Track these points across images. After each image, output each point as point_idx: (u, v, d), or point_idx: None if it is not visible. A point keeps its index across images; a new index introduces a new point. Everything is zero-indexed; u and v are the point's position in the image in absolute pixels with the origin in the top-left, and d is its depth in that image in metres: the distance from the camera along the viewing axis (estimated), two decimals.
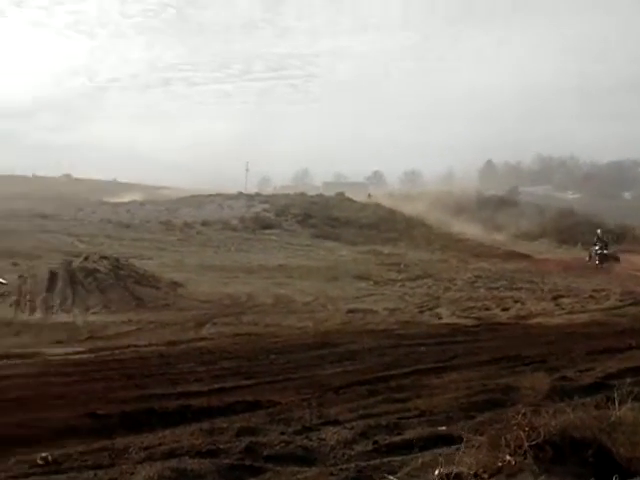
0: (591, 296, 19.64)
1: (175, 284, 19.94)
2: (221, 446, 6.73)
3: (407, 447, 7.01)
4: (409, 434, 7.44)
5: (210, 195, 58.85)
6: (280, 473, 6.30)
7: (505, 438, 6.27)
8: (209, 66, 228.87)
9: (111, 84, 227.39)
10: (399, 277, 23.68)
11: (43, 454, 6.29)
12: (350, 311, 16.82)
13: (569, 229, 39.74)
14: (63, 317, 15.46)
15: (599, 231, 30.74)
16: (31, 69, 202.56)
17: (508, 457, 6.12)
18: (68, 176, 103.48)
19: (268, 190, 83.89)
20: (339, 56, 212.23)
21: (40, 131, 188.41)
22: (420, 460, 6.57)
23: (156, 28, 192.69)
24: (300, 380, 9.93)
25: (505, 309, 17.54)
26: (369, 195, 62.30)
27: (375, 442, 7.18)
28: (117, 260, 20.36)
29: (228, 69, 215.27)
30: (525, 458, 6.01)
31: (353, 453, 6.93)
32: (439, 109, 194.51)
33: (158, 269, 22.59)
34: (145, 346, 12.22)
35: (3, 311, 15.75)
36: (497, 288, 21.75)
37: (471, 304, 18.30)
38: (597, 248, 29.18)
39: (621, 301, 18.50)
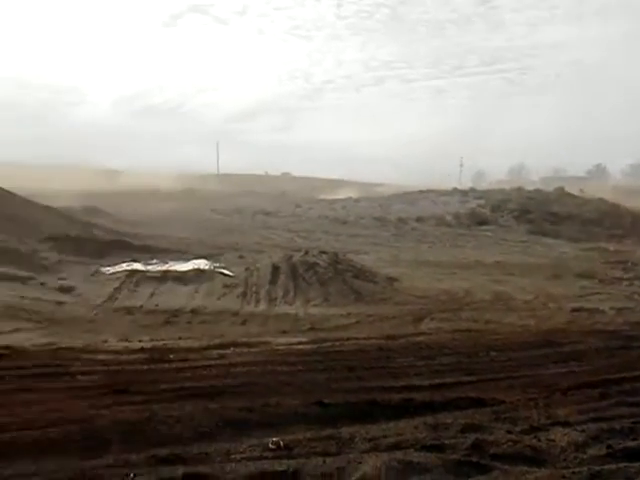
0: None
1: (391, 279, 20.07)
2: (446, 441, 6.66)
3: None
4: None
5: (423, 191, 58.87)
6: (508, 472, 6.12)
7: None
8: (422, 63, 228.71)
9: (326, 85, 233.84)
10: (626, 276, 22.27)
11: (274, 439, 6.53)
12: (574, 310, 16.05)
13: None
14: (286, 308, 16.04)
15: None
16: (254, 74, 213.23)
17: None
18: (287, 174, 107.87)
19: (482, 185, 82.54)
20: (556, 47, 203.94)
21: (264, 132, 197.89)
22: None
23: (370, 28, 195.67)
24: (524, 379, 9.59)
25: None
26: (581, 190, 59.33)
27: (609, 446, 6.79)
28: (335, 255, 20.81)
29: (441, 65, 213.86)
30: None
31: (585, 456, 6.59)
32: None
33: (374, 264, 22.88)
34: (364, 339, 12.37)
35: (231, 302, 16.64)
36: None
37: None
38: None
39: None
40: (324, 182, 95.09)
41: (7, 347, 10.56)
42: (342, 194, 67.61)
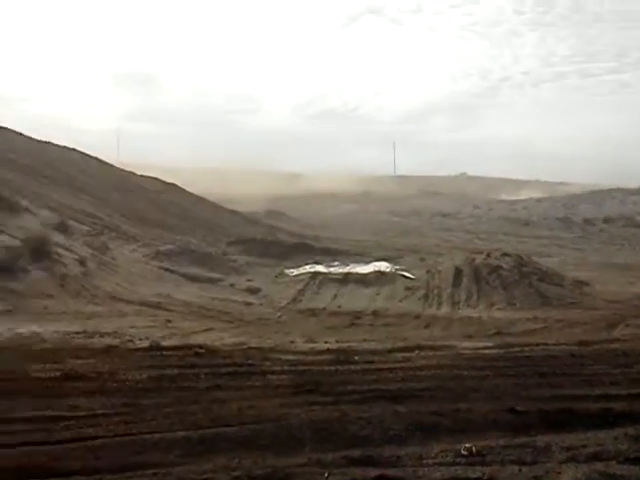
0: None
1: (580, 282, 19.24)
2: None
3: None
4: None
5: (610, 190, 56.06)
6: None
7: None
8: (604, 56, 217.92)
9: (502, 82, 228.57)
10: None
11: (467, 445, 6.39)
12: None
13: None
14: (469, 312, 15.79)
15: None
16: (429, 73, 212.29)
17: None
18: (464, 174, 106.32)
19: None
20: None
21: (439, 131, 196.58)
22: None
23: (549, 22, 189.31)
24: None
25: None
26: None
27: None
28: (520, 257, 20.23)
29: (624, 58, 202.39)
30: None
31: None
32: None
33: (560, 267, 22.04)
34: (555, 344, 11.91)
35: (413, 304, 16.60)
36: None
37: None
38: None
39: None
40: (503, 182, 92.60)
41: (201, 346, 11.07)
42: (523, 194, 65.68)
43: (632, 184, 59.22)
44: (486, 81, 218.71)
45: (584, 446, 6.49)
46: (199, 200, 29.73)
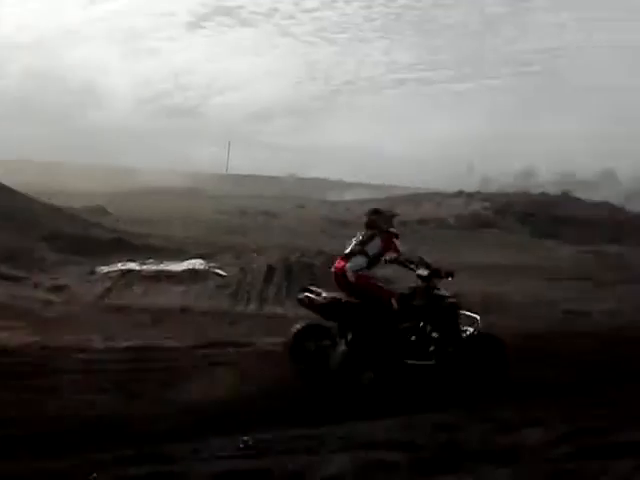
0: None
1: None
2: (418, 441, 6.73)
3: (610, 453, 6.61)
4: (613, 439, 7.01)
5: (429, 193, 58.86)
6: (475, 470, 6.19)
7: None
8: (445, 65, 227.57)
9: (345, 87, 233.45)
10: (618, 278, 22.26)
11: (244, 437, 6.53)
12: (565, 312, 16.18)
13: None
14: (276, 309, 16.13)
15: None
16: (275, 76, 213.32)
17: None
18: (293, 175, 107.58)
19: (490, 189, 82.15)
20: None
21: (279, 134, 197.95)
22: (622, 467, 6.18)
23: (397, 30, 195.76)
24: None
25: None
26: None
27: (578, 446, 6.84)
28: (334, 256, 20.78)
29: (464, 68, 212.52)
30: None
31: (554, 455, 6.65)
32: None
33: None
34: None
35: (222, 301, 16.76)
36: None
37: None
38: None
39: None
40: (332, 183, 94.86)
41: None
42: (348, 195, 67.59)
43: (452, 189, 62.49)
44: (329, 85, 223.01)
45: (357, 436, 6.89)
46: (10, 193, 28.27)
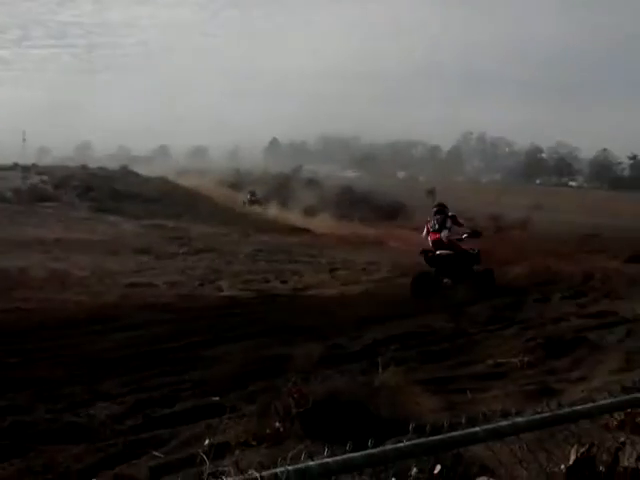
0: (364, 269, 20.55)
1: None
2: None
3: (180, 419, 7.03)
4: (182, 406, 7.46)
5: None
6: (43, 451, 6.08)
7: (275, 406, 6.48)
8: None
9: None
10: (181, 251, 23.46)
11: None
12: (129, 285, 16.41)
13: (348, 205, 41.30)
14: None
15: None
16: None
17: (277, 424, 6.34)
18: None
19: (47, 162, 79.53)
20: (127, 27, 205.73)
21: None
22: (192, 432, 6.63)
23: None
24: (72, 356, 9.57)
25: (283, 281, 17.91)
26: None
27: (146, 416, 7.12)
28: None
29: (4, 34, 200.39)
30: (293, 424, 6.25)
31: (123, 428, 6.82)
32: (229, 86, 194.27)
33: None
34: None
35: None
36: (277, 261, 22.19)
37: (251, 277, 18.48)
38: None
39: (390, 273, 19.53)
40: None
41: None
42: None
43: (4, 161, 59.03)
44: None
45: None
46: None
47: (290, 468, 2.45)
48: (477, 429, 3.04)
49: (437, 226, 16.54)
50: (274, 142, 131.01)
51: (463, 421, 3.08)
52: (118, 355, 9.71)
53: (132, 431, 6.75)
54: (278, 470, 2.44)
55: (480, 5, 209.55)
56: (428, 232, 16.70)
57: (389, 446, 2.81)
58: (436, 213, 16.75)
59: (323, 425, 5.99)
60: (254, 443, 6.08)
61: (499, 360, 9.85)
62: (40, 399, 7.59)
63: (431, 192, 51.69)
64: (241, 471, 2.53)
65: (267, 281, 17.97)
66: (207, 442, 5.05)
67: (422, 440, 2.88)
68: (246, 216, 39.88)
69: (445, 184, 67.49)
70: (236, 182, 55.60)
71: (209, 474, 2.78)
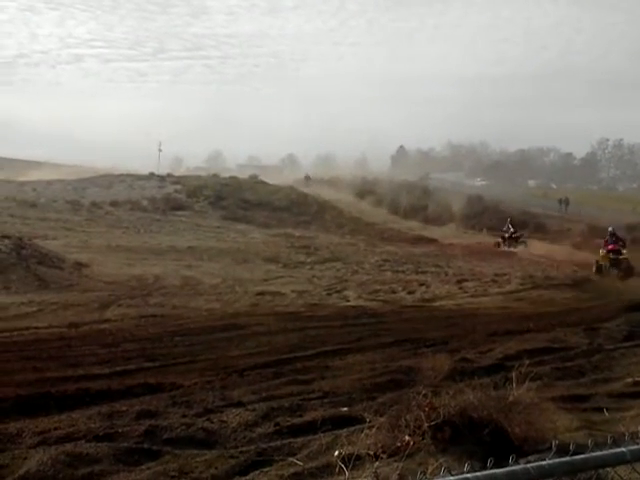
0: (493, 280, 20.14)
1: (80, 265, 19.41)
2: (119, 430, 6.62)
3: (309, 429, 7.07)
4: (311, 415, 7.50)
5: (121, 175, 57.54)
6: (178, 456, 6.24)
7: (405, 419, 6.40)
8: (123, 43, 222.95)
9: (19, 60, 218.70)
10: (308, 260, 23.74)
11: None
12: (259, 293, 16.76)
13: (476, 215, 40.69)
14: None
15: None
16: None
17: (407, 437, 6.26)
18: None
19: (181, 171, 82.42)
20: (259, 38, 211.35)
21: None
22: (321, 441, 6.65)
23: (68, 3, 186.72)
24: (204, 362, 9.84)
25: (410, 292, 17.80)
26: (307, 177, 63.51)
27: (277, 424, 7.21)
28: (20, 239, 19.60)
29: (141, 47, 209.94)
30: (423, 438, 6.16)
31: (254, 435, 6.93)
32: (353, 93, 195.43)
33: (63, 249, 21.97)
34: (45, 328, 11.87)
35: None
36: (404, 271, 22.08)
37: (377, 287, 18.49)
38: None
39: (522, 285, 19.05)
40: (12, 162, 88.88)
41: None
42: (33, 175, 63.64)
43: (142, 170, 61.63)
44: (1, 58, 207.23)
45: (56, 428, 6.62)
46: None
47: None
48: (623, 449, 2.90)
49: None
50: (401, 150, 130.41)
51: (609, 441, 2.94)
52: (249, 363, 9.89)
53: (262, 439, 6.84)
54: None
55: (616, 5, 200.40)
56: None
57: (533, 464, 2.71)
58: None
59: (455, 440, 5.88)
60: (383, 456, 6.03)
61: (638, 379, 9.39)
62: (175, 404, 7.82)
63: (564, 201, 50.14)
64: None
65: (394, 292, 17.90)
66: (337, 453, 5.05)
67: (566, 459, 2.77)
68: (373, 225, 39.93)
69: (579, 193, 65.14)
70: (362, 190, 55.80)
71: None
